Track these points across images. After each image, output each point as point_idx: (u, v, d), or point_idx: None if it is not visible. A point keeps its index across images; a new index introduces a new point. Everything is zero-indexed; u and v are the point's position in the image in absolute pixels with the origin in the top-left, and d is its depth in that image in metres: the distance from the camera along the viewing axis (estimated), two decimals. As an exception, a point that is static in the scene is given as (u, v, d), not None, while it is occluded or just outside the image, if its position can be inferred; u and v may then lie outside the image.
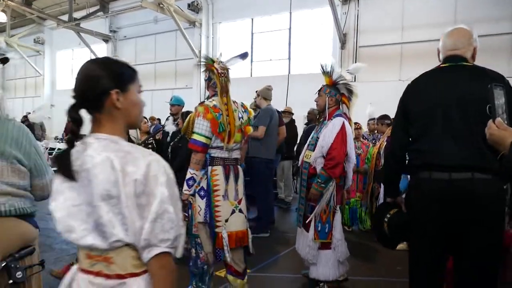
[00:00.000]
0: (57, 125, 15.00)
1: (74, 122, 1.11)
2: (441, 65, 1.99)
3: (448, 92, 1.84)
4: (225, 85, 2.71)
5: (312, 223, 3.09)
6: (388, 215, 2.10)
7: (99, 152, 1.08)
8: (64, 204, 1.11)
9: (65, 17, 13.54)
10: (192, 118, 2.86)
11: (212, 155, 2.64)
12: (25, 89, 18.49)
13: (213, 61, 2.77)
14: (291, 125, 6.90)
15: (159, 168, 1.08)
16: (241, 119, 2.77)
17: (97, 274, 1.10)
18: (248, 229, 2.78)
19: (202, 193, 2.64)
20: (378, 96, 7.19)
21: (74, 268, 1.20)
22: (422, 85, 1.99)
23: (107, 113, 1.13)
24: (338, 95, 3.14)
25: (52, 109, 16.75)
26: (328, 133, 2.99)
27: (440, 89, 1.88)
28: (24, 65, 16.71)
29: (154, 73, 13.91)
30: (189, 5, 11.95)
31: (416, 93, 1.99)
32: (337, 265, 3.07)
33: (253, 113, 3.02)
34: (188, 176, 2.60)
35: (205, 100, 2.96)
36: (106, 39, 14.72)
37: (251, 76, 11.57)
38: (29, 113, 14.20)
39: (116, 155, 1.07)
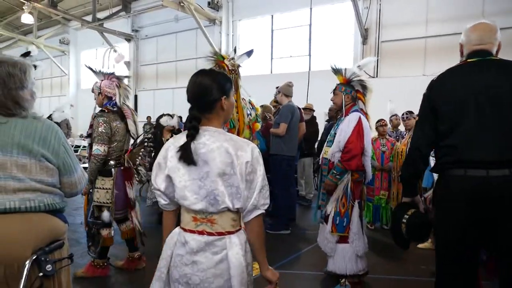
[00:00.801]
0: (82, 123, 15.38)
1: (194, 119, 1.46)
2: (468, 60, 1.95)
3: (478, 86, 1.81)
4: (235, 82, 2.72)
5: (331, 216, 3.11)
6: (406, 216, 2.07)
7: (214, 141, 1.45)
8: (182, 178, 1.46)
9: (89, 18, 13.85)
10: None
11: None
12: (51, 89, 19.07)
13: (223, 58, 2.76)
14: (312, 122, 6.84)
15: (257, 152, 1.48)
16: (249, 116, 2.78)
17: (200, 232, 1.46)
18: None
19: None
20: (401, 92, 7.04)
21: (177, 230, 1.53)
22: (450, 80, 1.94)
23: (215, 112, 1.50)
24: (354, 92, 3.18)
25: (77, 108, 17.20)
26: (344, 128, 3.03)
27: (469, 84, 1.84)
28: (50, 65, 17.23)
29: (175, 71, 14.08)
30: (209, 3, 12.02)
31: (444, 88, 1.93)
32: (355, 259, 3.06)
33: (260, 110, 3.03)
34: None
35: None
36: (128, 39, 14.98)
37: (271, 73, 11.55)
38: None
39: (228, 143, 1.44)
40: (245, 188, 1.44)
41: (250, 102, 2.91)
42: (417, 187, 2.17)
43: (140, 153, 3.44)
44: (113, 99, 3.37)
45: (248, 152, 1.44)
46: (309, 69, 10.40)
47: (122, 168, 3.34)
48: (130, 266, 3.55)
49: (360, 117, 3.02)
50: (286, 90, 5.09)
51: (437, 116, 1.91)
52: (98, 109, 3.41)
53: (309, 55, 10.90)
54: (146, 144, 3.48)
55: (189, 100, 1.51)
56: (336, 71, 3.26)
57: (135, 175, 3.45)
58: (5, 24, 17.05)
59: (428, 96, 1.99)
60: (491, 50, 1.91)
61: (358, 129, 2.99)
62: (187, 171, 1.45)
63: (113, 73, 3.50)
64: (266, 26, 11.92)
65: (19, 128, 1.53)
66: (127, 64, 15.29)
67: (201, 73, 1.53)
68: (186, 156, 1.42)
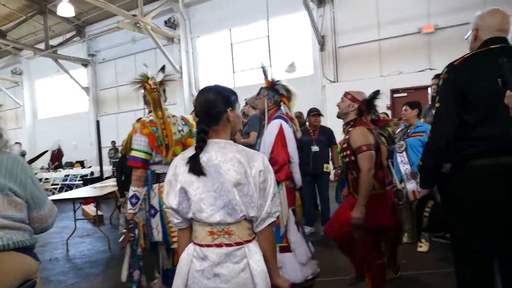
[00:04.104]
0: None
1: (202, 131, 1.50)
2: (491, 47, 1.87)
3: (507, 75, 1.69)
4: (158, 100, 2.72)
5: None
6: (427, 209, 2.02)
7: (226, 152, 1.48)
8: (196, 191, 1.47)
9: (41, 46, 13.43)
10: (130, 135, 2.80)
11: (156, 171, 2.64)
12: (5, 122, 18.18)
13: (148, 78, 2.78)
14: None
15: (267, 161, 1.53)
16: (181, 131, 2.78)
17: (218, 245, 1.47)
18: None
19: (152, 211, 2.60)
20: (371, 92, 7.27)
21: (191, 247, 1.53)
22: (478, 66, 1.82)
23: (222, 125, 1.54)
24: (277, 96, 3.12)
25: (35, 138, 16.53)
26: (267, 138, 2.94)
27: (498, 72, 1.69)
28: (3, 97, 16.48)
29: (136, 92, 13.84)
30: (166, 22, 12.00)
31: (473, 75, 1.81)
32: (299, 268, 2.90)
33: (195, 126, 3.01)
34: (130, 194, 2.55)
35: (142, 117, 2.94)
36: (85, 64, 14.64)
37: (234, 86, 11.61)
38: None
39: (240, 154, 1.48)
40: (258, 197, 1.48)
41: (182, 118, 2.91)
42: (435, 179, 2.05)
43: None
44: None
45: (260, 161, 1.49)
46: (272, 77, 10.54)
47: None
48: None
49: (281, 125, 2.93)
50: (253, 102, 5.12)
51: (466, 105, 1.80)
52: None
53: (270, 65, 11.06)
54: None
55: (196, 115, 1.58)
56: (264, 74, 3.20)
57: None
58: (-50, 59, 16.20)
59: (454, 82, 1.84)
60: (508, 37, 1.88)
61: (280, 138, 2.90)
62: (201, 183, 1.47)
63: None
64: (225, 41, 12.02)
65: None
66: (86, 89, 14.90)
67: (206, 88, 1.60)
68: (195, 167, 1.46)
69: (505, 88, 1.49)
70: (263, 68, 3.21)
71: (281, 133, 2.90)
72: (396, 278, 3.29)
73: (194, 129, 2.92)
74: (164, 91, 2.84)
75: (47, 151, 3.47)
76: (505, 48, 1.84)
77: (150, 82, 2.75)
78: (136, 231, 2.59)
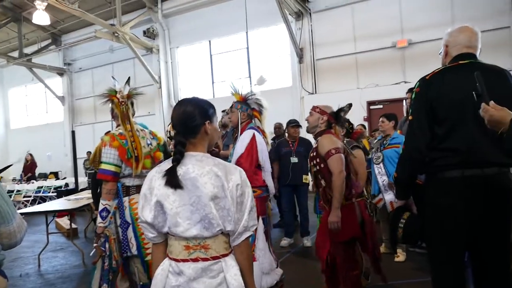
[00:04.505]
0: (13, 165, 14.29)
1: (179, 144, 1.48)
2: (460, 62, 1.94)
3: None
4: (126, 113, 2.72)
5: None
6: (403, 220, 2.05)
7: (203, 165, 1.46)
8: (173, 204, 1.44)
9: (15, 54, 13.09)
10: (98, 148, 2.78)
11: (126, 184, 2.63)
12: (-24, 132, 17.56)
13: (116, 92, 2.78)
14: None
15: (245, 174, 1.51)
16: (149, 145, 2.79)
17: (195, 260, 1.45)
18: None
19: (125, 225, 2.58)
20: (340, 105, 7.40)
21: (167, 261, 1.50)
22: (447, 81, 1.89)
23: (200, 137, 1.53)
24: (250, 110, 3.31)
25: (8, 149, 15.98)
26: (239, 147, 3.09)
27: (465, 87, 1.77)
28: (-27, 106, 15.94)
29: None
30: (144, 32, 11.92)
31: (442, 89, 1.88)
32: (260, 277, 2.93)
33: (163, 140, 3.02)
34: (100, 207, 2.54)
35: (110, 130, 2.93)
36: (60, 73, 14.35)
37: (213, 97, 11.60)
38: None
39: (217, 167, 1.46)
40: (235, 211, 1.45)
41: (150, 133, 2.92)
42: (410, 190, 2.10)
43: None
44: None
45: (237, 175, 1.47)
46: (251, 90, 10.60)
47: None
48: None
49: (254, 134, 3.09)
50: (232, 114, 5.16)
51: (436, 117, 1.87)
52: None
53: (249, 77, 11.14)
54: None
55: (174, 127, 1.56)
56: (234, 92, 3.39)
57: None
58: None
59: (425, 95, 1.91)
60: (476, 53, 1.97)
61: (252, 145, 3.05)
62: (177, 197, 1.44)
63: None
64: (205, 52, 12.04)
65: None
66: (61, 99, 14.57)
67: (184, 101, 1.58)
68: (172, 180, 1.43)
69: (479, 100, 1.55)
70: (232, 86, 3.41)
71: (252, 141, 3.06)
72: (368, 283, 3.32)
73: (162, 143, 2.95)
74: (132, 104, 2.83)
75: (11, 165, 3.32)
76: (474, 64, 1.90)
77: (118, 95, 2.74)
78: (107, 245, 2.55)
